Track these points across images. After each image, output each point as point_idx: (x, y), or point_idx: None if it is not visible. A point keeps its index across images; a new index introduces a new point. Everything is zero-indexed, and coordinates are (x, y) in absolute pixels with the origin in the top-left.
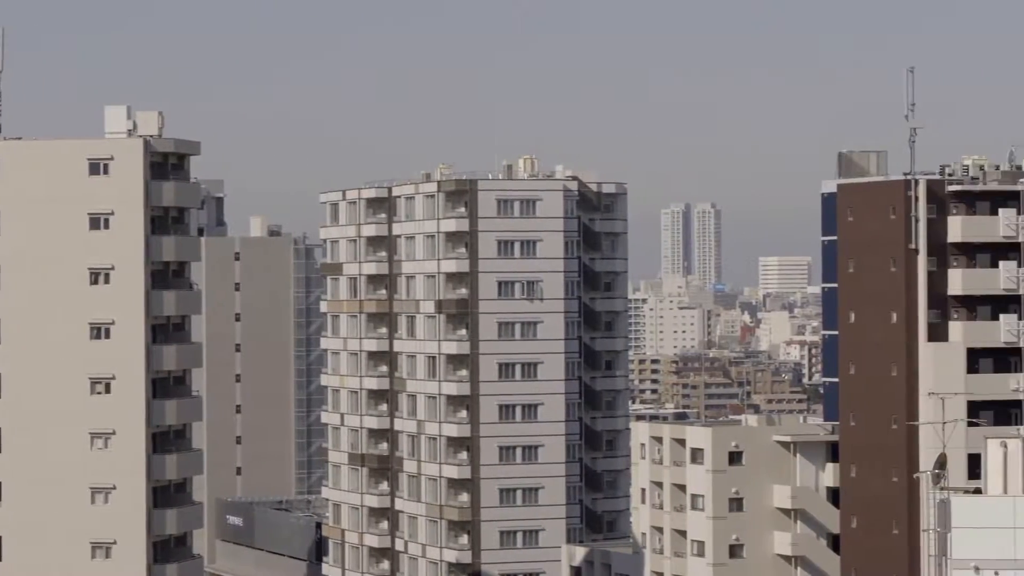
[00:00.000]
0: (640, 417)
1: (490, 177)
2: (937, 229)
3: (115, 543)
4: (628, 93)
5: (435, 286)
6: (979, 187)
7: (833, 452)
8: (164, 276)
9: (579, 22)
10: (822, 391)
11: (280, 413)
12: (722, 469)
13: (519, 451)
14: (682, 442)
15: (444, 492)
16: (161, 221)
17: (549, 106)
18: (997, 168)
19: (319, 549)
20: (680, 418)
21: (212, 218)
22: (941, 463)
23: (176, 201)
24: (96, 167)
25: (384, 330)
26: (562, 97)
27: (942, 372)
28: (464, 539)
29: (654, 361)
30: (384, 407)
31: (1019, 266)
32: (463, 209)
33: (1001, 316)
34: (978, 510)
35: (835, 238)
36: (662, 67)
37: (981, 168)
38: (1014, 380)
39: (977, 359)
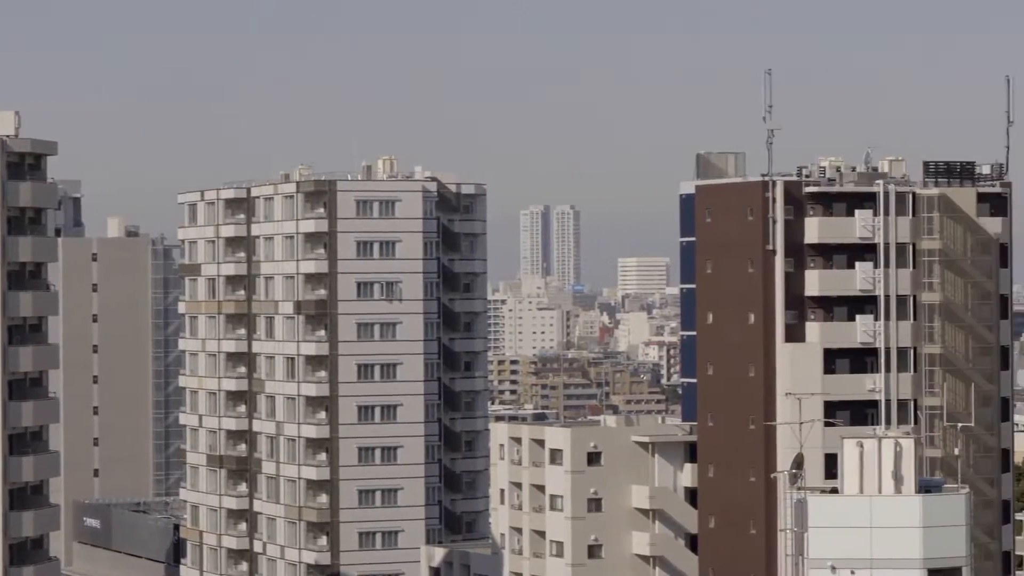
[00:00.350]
0: (499, 418)
1: (349, 178)
2: (794, 230)
3: None
4: (487, 94)
5: (294, 287)
6: (836, 188)
7: (691, 452)
8: (20, 277)
9: (438, 23)
10: (680, 392)
11: (138, 414)
12: (581, 470)
13: (378, 452)
14: (541, 443)
15: (303, 493)
16: (17, 222)
17: (408, 107)
18: (854, 170)
19: (177, 551)
20: (539, 419)
21: (69, 218)
22: (798, 463)
23: (33, 201)
24: None
25: (243, 331)
26: (421, 98)
27: (799, 372)
28: (323, 540)
29: (513, 362)
30: (243, 408)
31: (875, 267)
32: (322, 210)
33: (857, 317)
34: (834, 510)
35: (693, 239)
36: (521, 68)
37: (838, 170)
38: (870, 380)
39: (834, 360)
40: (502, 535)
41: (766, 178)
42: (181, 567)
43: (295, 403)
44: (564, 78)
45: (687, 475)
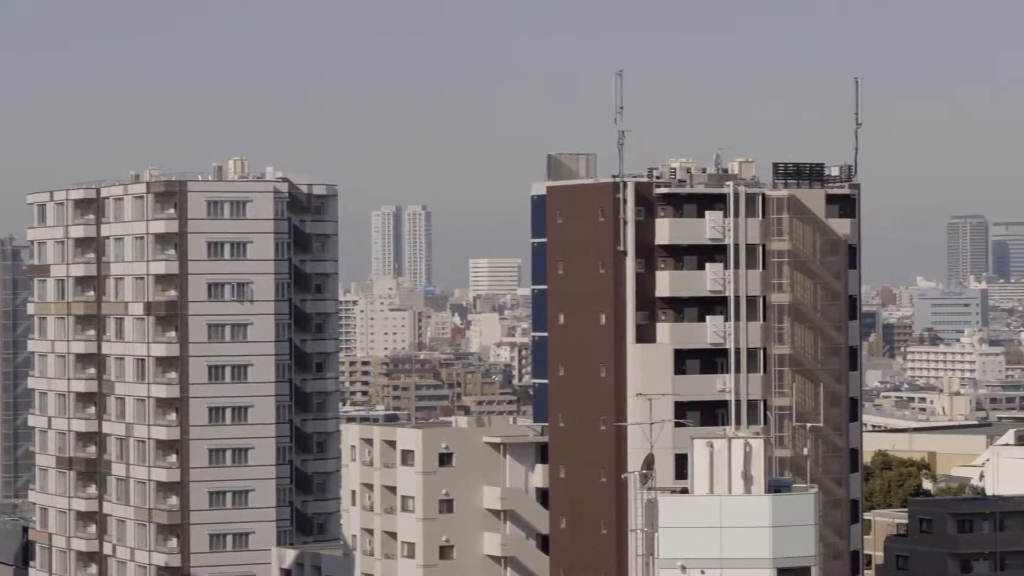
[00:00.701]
0: (351, 419)
1: (200, 178)
2: (645, 231)
3: None
4: (340, 95)
5: (144, 288)
6: (686, 190)
7: (543, 453)
8: None
9: (291, 23)
10: (532, 392)
11: None
12: (432, 471)
13: (229, 454)
14: (392, 444)
15: (153, 495)
16: None
17: (259, 108)
18: (704, 171)
19: (26, 554)
20: (391, 420)
21: None
22: (648, 463)
23: None
24: None
25: (92, 332)
26: (273, 98)
27: (650, 373)
28: (173, 542)
29: (364, 363)
30: (92, 410)
31: (725, 268)
32: (172, 210)
33: (708, 318)
34: (685, 510)
35: (544, 240)
36: (371, 69)
37: (688, 171)
38: (720, 381)
39: (684, 360)
40: (353, 536)
41: (617, 179)
42: (30, 570)
43: (145, 405)
44: (417, 79)
45: (538, 476)
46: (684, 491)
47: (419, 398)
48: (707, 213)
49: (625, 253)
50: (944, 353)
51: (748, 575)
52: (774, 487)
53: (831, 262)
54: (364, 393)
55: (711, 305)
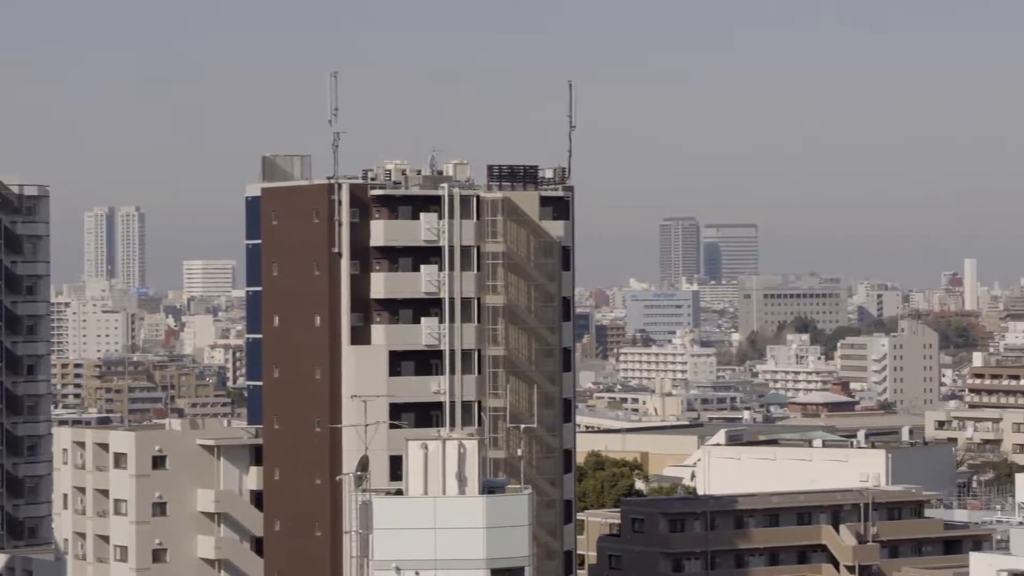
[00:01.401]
0: (63, 422)
1: None
2: (360, 233)
3: None
4: (48, 94)
5: None
6: (401, 192)
7: (257, 455)
8: None
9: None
10: (246, 394)
11: None
12: (145, 474)
13: None
14: (105, 447)
15: None
16: None
17: None
18: (419, 173)
19: None
20: (103, 423)
21: None
22: (363, 465)
23: None
24: None
25: None
26: None
27: (365, 375)
28: None
29: (77, 365)
30: None
31: (440, 270)
32: None
33: (423, 319)
34: (399, 511)
35: (260, 242)
36: (83, 69)
37: (403, 173)
38: (435, 382)
39: (399, 362)
40: (65, 540)
41: (332, 181)
42: None
43: None
44: (127, 79)
45: (253, 478)
46: (399, 493)
47: (132, 400)
48: (422, 215)
49: (340, 255)
50: (656, 354)
51: None
52: (488, 488)
53: (545, 264)
54: (77, 396)
55: (426, 307)
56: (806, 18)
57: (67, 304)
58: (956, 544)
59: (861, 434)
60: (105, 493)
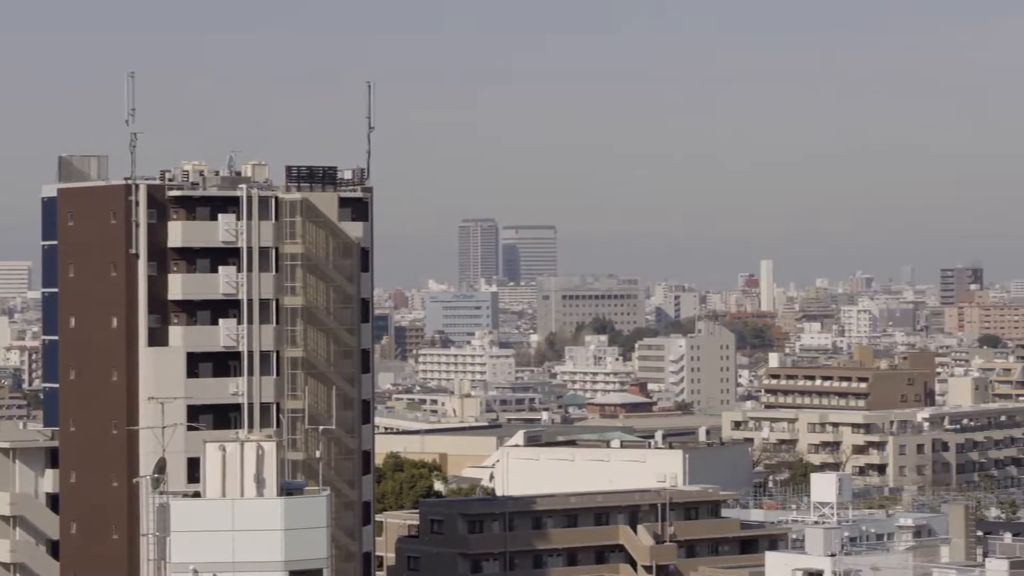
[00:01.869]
0: None
1: None
2: (158, 234)
3: None
4: None
5: None
6: (199, 192)
7: (53, 458)
8: None
9: None
10: (42, 397)
11: None
12: None
13: None
14: None
15: None
16: None
17: None
18: (217, 174)
19: None
20: None
21: None
22: (160, 467)
23: None
24: None
25: None
26: None
27: (162, 376)
28: None
29: None
30: None
31: (239, 271)
32: None
33: (221, 321)
34: (197, 513)
35: (55, 242)
36: None
37: (201, 174)
38: (233, 384)
39: (197, 363)
40: None
41: (129, 181)
42: None
43: None
44: None
45: (49, 481)
46: (197, 495)
47: None
48: (220, 216)
49: (137, 256)
50: (455, 355)
51: None
52: (286, 490)
53: (344, 265)
54: None
55: (224, 308)
56: (616, 23)
57: None
58: (752, 544)
59: (659, 434)
60: None
